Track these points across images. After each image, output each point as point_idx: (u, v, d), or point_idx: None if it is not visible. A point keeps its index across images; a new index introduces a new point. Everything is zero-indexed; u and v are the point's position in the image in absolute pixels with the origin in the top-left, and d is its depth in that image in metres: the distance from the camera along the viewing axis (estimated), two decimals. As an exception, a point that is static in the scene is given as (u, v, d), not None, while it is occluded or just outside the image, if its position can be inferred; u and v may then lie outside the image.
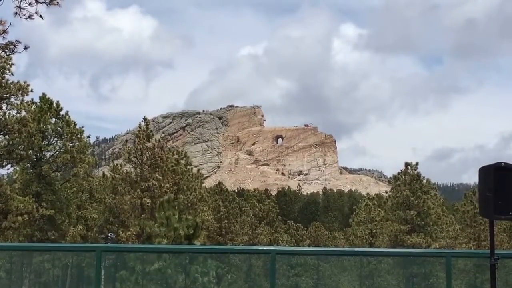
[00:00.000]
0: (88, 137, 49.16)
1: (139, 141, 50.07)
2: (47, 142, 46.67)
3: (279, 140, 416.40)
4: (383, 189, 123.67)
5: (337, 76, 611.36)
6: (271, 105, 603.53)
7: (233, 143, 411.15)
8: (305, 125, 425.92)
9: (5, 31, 10.84)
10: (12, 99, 39.89)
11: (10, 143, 40.32)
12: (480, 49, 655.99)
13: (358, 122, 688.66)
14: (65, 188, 48.83)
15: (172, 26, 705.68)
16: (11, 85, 39.48)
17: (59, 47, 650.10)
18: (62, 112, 47.71)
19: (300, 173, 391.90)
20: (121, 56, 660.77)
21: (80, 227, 52.98)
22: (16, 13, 10.22)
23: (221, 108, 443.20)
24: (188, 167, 54.11)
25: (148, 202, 47.13)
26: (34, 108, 44.74)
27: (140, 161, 49.74)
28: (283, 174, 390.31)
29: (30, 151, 44.78)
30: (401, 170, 58.47)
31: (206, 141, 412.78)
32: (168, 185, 48.38)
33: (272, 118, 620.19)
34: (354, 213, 72.72)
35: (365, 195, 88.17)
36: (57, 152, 46.84)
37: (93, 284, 9.55)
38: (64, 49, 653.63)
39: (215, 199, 77.13)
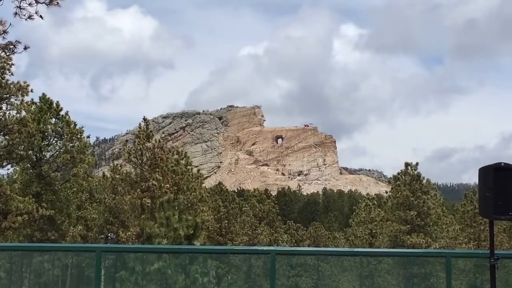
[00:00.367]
0: (88, 137, 49.14)
1: (139, 141, 50.04)
2: (47, 142, 46.63)
3: (279, 140, 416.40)
4: (383, 189, 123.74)
5: (338, 76, 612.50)
6: (271, 105, 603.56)
7: (233, 143, 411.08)
8: (305, 125, 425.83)
9: (5, 31, 10.84)
10: (12, 99, 39.86)
11: (10, 143, 40.26)
12: (481, 50, 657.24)
13: (358, 122, 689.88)
14: (65, 188, 48.80)
15: (172, 26, 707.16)
16: (11, 85, 39.45)
17: (59, 47, 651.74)
18: (62, 112, 47.68)
19: (300, 173, 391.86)
20: (121, 56, 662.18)
21: (80, 227, 52.97)
22: (16, 13, 10.21)
23: (221, 108, 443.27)
24: (188, 167, 54.11)
25: (148, 202, 47.10)
26: (34, 108, 44.72)
27: (140, 161, 49.72)
28: (283, 174, 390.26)
29: (30, 151, 44.77)
30: (401, 170, 58.46)
31: (206, 141, 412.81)
32: (168, 185, 48.38)
33: (272, 118, 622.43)
34: (354, 213, 72.68)
35: (365, 195, 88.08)
36: (57, 152, 46.80)
37: (93, 284, 9.56)
38: (65, 49, 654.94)
39: (215, 199, 77.13)
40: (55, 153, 47.01)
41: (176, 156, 53.31)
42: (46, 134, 46.41)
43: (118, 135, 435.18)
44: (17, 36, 12.44)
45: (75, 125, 47.60)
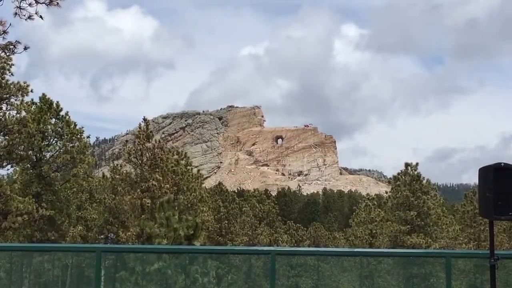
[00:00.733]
0: (88, 137, 49.16)
1: (139, 142, 50.04)
2: (47, 143, 46.63)
3: (279, 140, 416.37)
4: (383, 189, 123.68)
5: (338, 76, 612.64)
6: (271, 106, 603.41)
7: (233, 143, 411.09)
8: (305, 126, 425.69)
9: (5, 32, 10.83)
10: (12, 100, 39.91)
11: (10, 143, 40.28)
12: (481, 50, 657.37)
13: (358, 122, 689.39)
14: (65, 188, 48.79)
15: (172, 27, 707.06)
16: (11, 86, 39.48)
17: (59, 48, 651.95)
18: (62, 113, 47.70)
19: (300, 173, 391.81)
20: (122, 56, 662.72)
21: (80, 227, 52.97)
22: (16, 13, 10.21)
23: (221, 109, 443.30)
24: (188, 167, 54.12)
25: (148, 203, 47.09)
26: (34, 109, 44.73)
27: (140, 161, 49.72)
28: (283, 174, 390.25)
29: (30, 152, 44.78)
30: (401, 171, 58.48)
31: (206, 142, 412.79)
32: (168, 185, 48.38)
33: (272, 118, 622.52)
34: (354, 213, 72.68)
35: (365, 196, 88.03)
36: (57, 153, 46.81)
37: (93, 284, 9.56)
38: (65, 49, 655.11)
39: (215, 199, 77.12)
40: (55, 153, 47.02)
41: (176, 157, 53.33)
42: (46, 134, 46.41)
43: (118, 135, 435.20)
44: (17, 36, 12.44)
45: (75, 125, 47.62)
